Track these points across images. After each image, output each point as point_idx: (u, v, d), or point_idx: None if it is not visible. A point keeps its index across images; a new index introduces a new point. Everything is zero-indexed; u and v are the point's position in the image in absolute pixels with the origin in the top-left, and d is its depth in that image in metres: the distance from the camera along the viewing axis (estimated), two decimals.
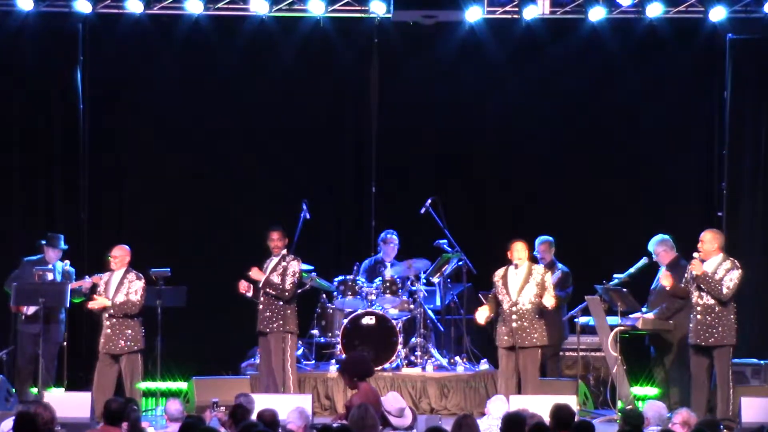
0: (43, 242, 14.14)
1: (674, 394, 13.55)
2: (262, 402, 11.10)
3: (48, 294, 13.41)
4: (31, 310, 13.84)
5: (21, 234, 15.21)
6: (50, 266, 14.02)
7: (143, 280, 13.20)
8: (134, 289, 13.10)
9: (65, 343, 13.80)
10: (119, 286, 13.10)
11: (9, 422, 10.02)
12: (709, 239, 12.90)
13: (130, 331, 13.04)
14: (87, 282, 13.52)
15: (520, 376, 12.94)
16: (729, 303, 12.76)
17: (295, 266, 13.32)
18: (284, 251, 13.38)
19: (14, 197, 15.60)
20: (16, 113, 15.58)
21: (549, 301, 12.94)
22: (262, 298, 13.31)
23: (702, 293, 12.79)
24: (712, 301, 12.78)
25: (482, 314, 13.13)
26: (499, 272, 13.17)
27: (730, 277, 12.76)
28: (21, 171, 15.61)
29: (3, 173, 15.56)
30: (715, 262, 12.84)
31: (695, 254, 12.84)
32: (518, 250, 13.07)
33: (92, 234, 15.40)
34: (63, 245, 14.14)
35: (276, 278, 13.25)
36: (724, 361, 12.84)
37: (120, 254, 13.20)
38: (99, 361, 13.10)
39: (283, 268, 13.27)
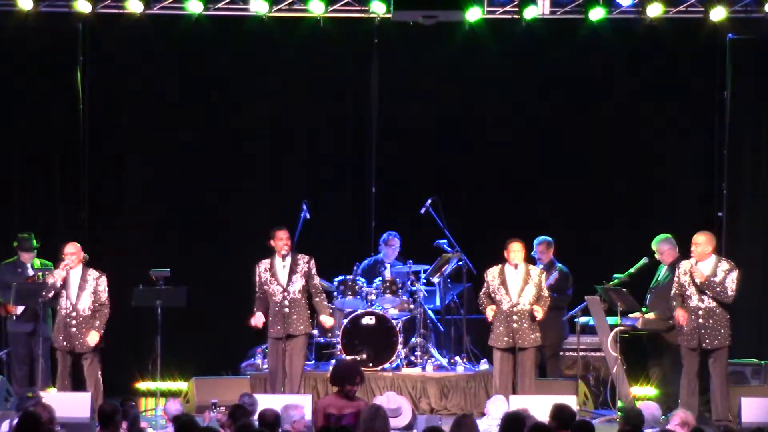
0: (15, 244, 14.19)
1: (672, 394, 13.54)
2: (265, 402, 11.14)
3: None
4: (20, 310, 13.85)
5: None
6: (28, 265, 14.05)
7: (105, 275, 13.21)
8: (102, 287, 13.11)
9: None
10: (82, 283, 13.08)
11: (8, 423, 10.03)
12: (704, 241, 12.89)
13: (94, 330, 13.11)
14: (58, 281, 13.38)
15: (515, 377, 12.97)
16: (730, 305, 12.80)
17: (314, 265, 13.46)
18: (290, 252, 13.37)
19: (14, 197, 15.60)
20: (16, 113, 15.57)
21: (539, 313, 12.98)
22: (286, 302, 13.26)
23: (703, 297, 12.79)
24: (713, 304, 12.78)
25: (491, 312, 13.15)
26: (494, 271, 13.19)
27: (732, 279, 12.77)
28: (21, 171, 15.61)
29: (3, 173, 15.55)
30: (710, 264, 12.85)
31: (692, 260, 12.84)
32: (516, 250, 13.09)
33: (92, 234, 15.39)
34: (35, 244, 14.15)
35: (301, 282, 13.24)
36: (723, 362, 12.87)
37: (76, 251, 13.14)
38: (59, 358, 13.13)
39: (306, 270, 13.29)
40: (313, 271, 13.38)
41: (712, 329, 12.77)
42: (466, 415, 9.54)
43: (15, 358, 14.09)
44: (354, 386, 11.64)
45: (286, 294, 13.19)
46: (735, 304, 12.93)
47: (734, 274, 12.80)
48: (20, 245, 14.15)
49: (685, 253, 13.31)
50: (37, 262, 14.15)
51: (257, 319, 13.29)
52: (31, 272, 14.03)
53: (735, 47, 15.41)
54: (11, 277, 13.93)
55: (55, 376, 13.46)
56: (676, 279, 13.01)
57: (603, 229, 15.78)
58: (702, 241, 12.88)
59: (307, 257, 13.37)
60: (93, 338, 13.05)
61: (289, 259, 13.27)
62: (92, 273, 13.16)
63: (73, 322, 13.04)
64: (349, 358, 14.02)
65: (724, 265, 12.85)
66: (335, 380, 11.65)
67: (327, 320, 13.52)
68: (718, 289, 12.74)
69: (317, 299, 13.36)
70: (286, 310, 13.17)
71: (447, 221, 14.70)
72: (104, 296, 13.13)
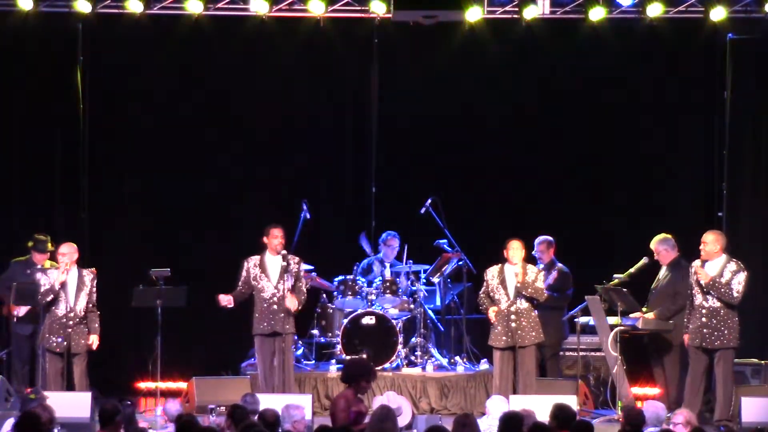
0: (30, 244, 14.17)
1: (673, 394, 13.54)
2: (266, 402, 11.14)
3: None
4: (22, 311, 13.83)
5: (21, 234, 15.19)
6: (38, 267, 14.04)
7: (95, 274, 13.23)
8: (94, 287, 13.15)
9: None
10: (79, 284, 13.10)
11: (9, 422, 10.03)
12: (712, 240, 12.89)
13: (86, 329, 13.11)
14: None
15: (515, 376, 12.99)
16: (737, 306, 12.80)
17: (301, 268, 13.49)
18: (284, 251, 13.38)
19: (14, 197, 15.60)
20: (16, 113, 15.57)
21: (541, 294, 13.06)
22: (275, 299, 13.24)
23: (707, 296, 12.79)
24: (717, 304, 12.78)
25: (493, 314, 13.16)
26: (493, 270, 13.22)
27: (738, 280, 12.77)
28: (21, 171, 15.61)
29: (3, 173, 15.55)
30: (718, 264, 12.85)
31: (698, 261, 12.84)
32: (515, 248, 13.11)
33: (92, 234, 15.39)
34: (50, 248, 14.13)
35: (290, 282, 13.23)
36: (728, 363, 12.86)
37: (70, 251, 13.14)
38: (49, 359, 13.06)
39: (296, 271, 13.30)
40: (302, 273, 13.43)
41: (715, 329, 12.77)
42: (466, 415, 9.54)
43: (17, 358, 14.09)
44: (370, 382, 11.67)
45: (276, 291, 13.20)
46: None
47: (741, 276, 12.80)
48: (35, 246, 14.13)
49: (688, 253, 13.29)
50: (48, 264, 14.14)
51: (226, 299, 13.30)
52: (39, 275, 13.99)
53: (735, 47, 15.40)
54: (20, 276, 13.91)
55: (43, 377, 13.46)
56: (690, 281, 12.99)
57: (603, 228, 15.78)
58: (710, 240, 12.89)
59: (297, 258, 13.42)
60: (95, 342, 13.10)
61: (280, 257, 13.27)
62: (87, 273, 13.18)
63: (71, 323, 13.03)
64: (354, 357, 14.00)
65: (732, 266, 12.84)
66: (351, 377, 11.58)
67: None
68: (723, 290, 12.74)
69: (295, 291, 13.34)
70: (275, 307, 13.20)
71: (447, 221, 14.70)
72: (94, 296, 13.21)
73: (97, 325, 13.15)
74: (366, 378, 11.55)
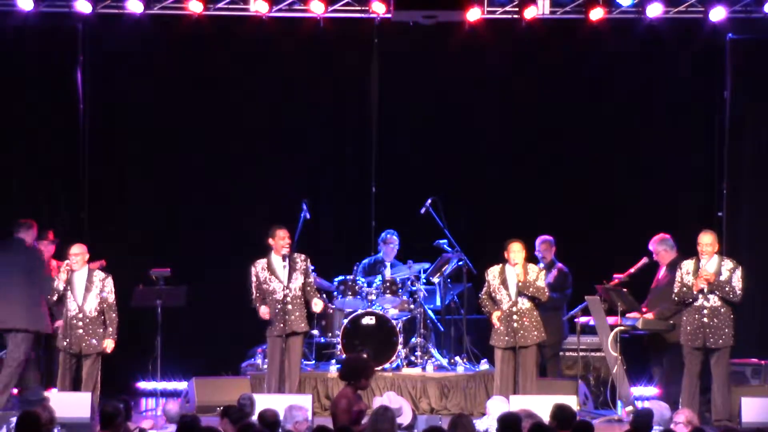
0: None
1: (673, 393, 13.55)
2: (266, 402, 11.14)
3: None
4: None
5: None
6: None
7: (111, 276, 13.14)
8: (108, 288, 13.02)
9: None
10: (88, 284, 13.00)
11: (9, 423, 10.04)
12: (711, 241, 12.93)
13: (101, 330, 13.01)
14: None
15: (516, 376, 12.99)
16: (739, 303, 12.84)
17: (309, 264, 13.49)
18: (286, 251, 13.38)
19: (14, 197, 15.60)
20: (17, 113, 15.57)
21: (543, 293, 13.05)
22: (288, 299, 13.23)
23: (708, 295, 12.81)
24: (718, 303, 12.81)
25: (496, 320, 13.15)
26: (494, 271, 13.20)
27: (738, 277, 12.83)
28: (21, 171, 15.61)
29: (3, 173, 15.56)
30: (713, 264, 12.88)
31: (702, 261, 12.85)
32: (516, 251, 13.11)
33: (92, 234, 15.39)
34: (50, 237, 14.14)
35: (300, 280, 13.25)
36: (726, 362, 12.89)
37: (81, 251, 13.08)
38: (62, 359, 13.00)
39: (304, 269, 13.30)
40: (310, 269, 13.44)
41: (717, 328, 12.79)
42: (462, 415, 9.56)
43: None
44: (369, 380, 11.64)
45: (287, 291, 13.19)
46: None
47: (739, 272, 12.85)
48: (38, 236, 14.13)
49: (688, 253, 13.30)
50: (54, 263, 14.11)
51: (264, 312, 13.21)
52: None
53: (735, 47, 15.41)
54: None
55: (52, 375, 13.44)
56: (678, 279, 13.01)
57: (603, 229, 15.78)
58: (710, 241, 12.93)
59: (303, 255, 13.41)
60: (109, 346, 12.98)
61: (279, 258, 13.26)
62: (98, 274, 13.11)
63: (80, 324, 12.97)
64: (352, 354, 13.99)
65: (728, 263, 12.89)
66: (350, 375, 11.53)
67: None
68: (727, 289, 12.77)
69: (308, 288, 13.36)
70: (289, 307, 13.17)
71: (447, 221, 14.71)
72: (111, 298, 13.06)
73: (111, 329, 13.00)
74: (365, 375, 11.52)
